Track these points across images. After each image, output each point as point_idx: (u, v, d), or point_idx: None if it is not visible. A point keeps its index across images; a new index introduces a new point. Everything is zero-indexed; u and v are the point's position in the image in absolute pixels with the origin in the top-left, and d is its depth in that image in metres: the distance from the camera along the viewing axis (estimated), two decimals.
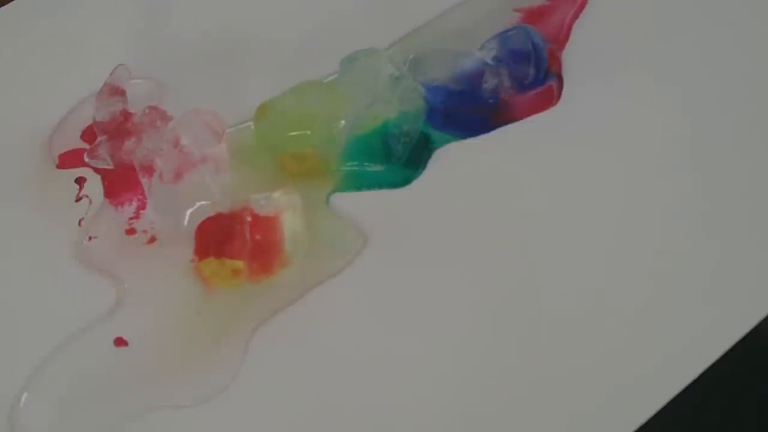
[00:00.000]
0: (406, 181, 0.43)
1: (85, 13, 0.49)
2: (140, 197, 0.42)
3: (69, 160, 0.44)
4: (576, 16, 0.47)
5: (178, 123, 0.41)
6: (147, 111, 0.41)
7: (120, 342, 0.39)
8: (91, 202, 0.43)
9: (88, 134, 0.44)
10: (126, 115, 0.42)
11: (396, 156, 0.43)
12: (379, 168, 0.43)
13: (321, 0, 0.48)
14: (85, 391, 0.38)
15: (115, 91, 0.43)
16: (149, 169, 0.41)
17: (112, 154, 0.41)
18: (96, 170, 0.43)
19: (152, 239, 0.42)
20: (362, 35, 0.46)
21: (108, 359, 0.38)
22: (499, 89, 0.44)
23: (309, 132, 0.42)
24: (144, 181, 0.41)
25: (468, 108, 0.44)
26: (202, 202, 0.42)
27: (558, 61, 0.45)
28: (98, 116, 0.42)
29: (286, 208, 0.40)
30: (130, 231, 0.42)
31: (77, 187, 0.43)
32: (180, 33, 0.48)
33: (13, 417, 0.37)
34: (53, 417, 0.37)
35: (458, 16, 0.47)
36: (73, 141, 0.44)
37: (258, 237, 0.40)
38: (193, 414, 0.37)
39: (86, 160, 0.42)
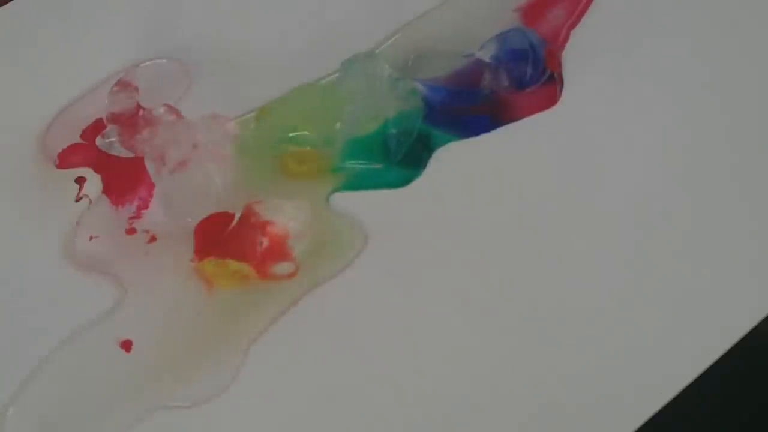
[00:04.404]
0: (406, 181, 0.43)
1: (84, 14, 0.49)
2: (141, 197, 0.42)
3: (68, 158, 0.44)
4: (575, 23, 0.47)
5: (191, 121, 0.41)
6: (163, 109, 0.41)
7: (126, 344, 0.39)
8: (91, 202, 0.43)
9: (89, 133, 0.44)
10: (138, 109, 0.42)
11: (392, 154, 0.43)
12: (378, 168, 0.43)
13: (321, 1, 0.48)
14: (85, 391, 0.38)
15: (127, 85, 0.43)
16: (160, 160, 0.41)
17: (122, 141, 0.41)
18: (96, 170, 0.43)
19: (152, 239, 0.42)
20: (362, 36, 0.46)
21: (108, 360, 0.39)
22: (499, 88, 0.44)
23: (309, 132, 0.43)
24: (153, 173, 0.41)
25: (468, 107, 0.44)
26: (203, 202, 0.42)
27: (558, 61, 0.45)
28: (110, 107, 0.42)
29: (292, 213, 0.40)
30: (131, 231, 0.42)
31: (77, 187, 0.43)
32: (180, 34, 0.48)
33: (11, 416, 0.37)
34: (52, 417, 0.37)
35: (456, 16, 0.47)
36: (71, 140, 0.44)
37: (265, 240, 0.40)
38: (193, 414, 0.37)
39: (98, 143, 0.42)
